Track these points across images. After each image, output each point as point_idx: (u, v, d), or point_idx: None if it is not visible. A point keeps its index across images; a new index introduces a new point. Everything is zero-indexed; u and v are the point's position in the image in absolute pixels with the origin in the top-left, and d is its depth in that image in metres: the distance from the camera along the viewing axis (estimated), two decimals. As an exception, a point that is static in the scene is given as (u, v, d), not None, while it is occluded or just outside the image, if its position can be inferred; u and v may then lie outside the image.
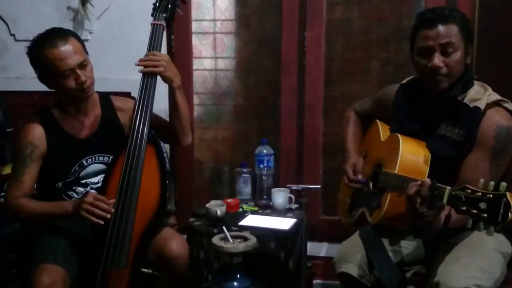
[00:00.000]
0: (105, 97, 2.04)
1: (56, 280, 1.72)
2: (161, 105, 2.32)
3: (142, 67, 1.89)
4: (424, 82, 1.76)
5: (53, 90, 1.91)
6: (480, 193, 1.33)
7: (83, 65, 1.84)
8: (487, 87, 1.73)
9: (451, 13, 1.68)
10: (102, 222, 1.73)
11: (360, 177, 1.94)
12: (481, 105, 1.66)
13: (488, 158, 1.62)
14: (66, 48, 1.81)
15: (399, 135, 1.78)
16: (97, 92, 2.00)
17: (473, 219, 1.35)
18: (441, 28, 1.65)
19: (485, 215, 1.31)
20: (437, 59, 1.65)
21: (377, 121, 2.04)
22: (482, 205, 1.32)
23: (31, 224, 1.98)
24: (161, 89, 1.99)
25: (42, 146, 1.88)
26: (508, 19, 2.40)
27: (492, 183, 1.33)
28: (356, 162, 1.99)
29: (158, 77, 1.91)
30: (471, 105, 1.67)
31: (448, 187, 1.41)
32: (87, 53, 1.90)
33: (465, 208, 1.35)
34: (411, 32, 1.75)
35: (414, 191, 1.51)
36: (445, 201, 1.41)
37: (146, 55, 1.92)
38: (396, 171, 1.69)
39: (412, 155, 1.72)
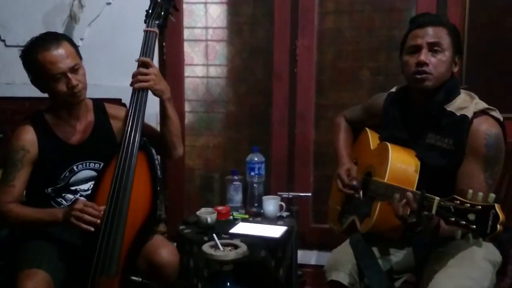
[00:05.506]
0: (99, 104, 2.03)
1: (40, 286, 1.69)
2: (152, 110, 2.30)
3: (132, 83, 1.88)
4: (410, 82, 1.77)
5: (45, 94, 1.90)
6: (469, 204, 1.33)
7: (74, 69, 1.84)
8: (474, 95, 1.74)
9: (442, 19, 1.77)
10: (92, 229, 1.72)
11: (355, 182, 1.92)
12: (469, 113, 1.67)
13: (482, 167, 1.63)
14: (58, 52, 1.81)
15: (388, 144, 1.79)
16: (90, 98, 1.99)
17: (462, 230, 1.35)
18: (430, 28, 1.72)
19: (474, 226, 1.31)
20: (424, 55, 1.69)
21: (367, 129, 2.05)
22: (471, 217, 1.32)
23: (18, 231, 1.95)
24: (152, 98, 1.96)
25: (34, 150, 1.87)
26: (496, 30, 2.43)
27: (480, 194, 1.33)
28: (350, 167, 1.98)
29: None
30: (458, 114, 1.69)
31: (437, 198, 1.42)
32: (81, 58, 1.90)
33: (454, 219, 1.35)
34: (403, 37, 1.80)
35: (404, 202, 1.52)
36: (434, 211, 1.41)
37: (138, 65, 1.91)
38: (385, 180, 1.70)
39: (401, 164, 1.73)
